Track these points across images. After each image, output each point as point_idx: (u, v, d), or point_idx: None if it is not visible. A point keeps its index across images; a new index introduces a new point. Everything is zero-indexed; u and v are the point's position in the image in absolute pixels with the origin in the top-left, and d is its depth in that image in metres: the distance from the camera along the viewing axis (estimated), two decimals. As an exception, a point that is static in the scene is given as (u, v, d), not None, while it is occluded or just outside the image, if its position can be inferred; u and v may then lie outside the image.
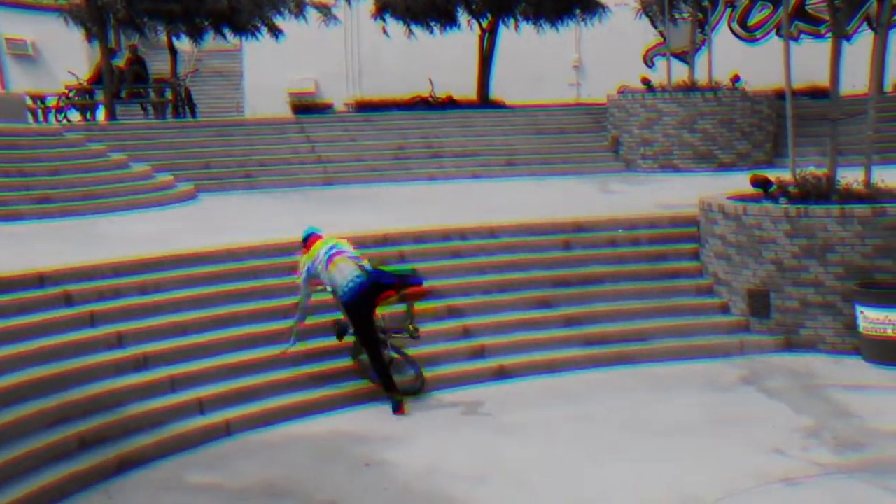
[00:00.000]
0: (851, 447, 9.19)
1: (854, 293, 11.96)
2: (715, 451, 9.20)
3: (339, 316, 10.96)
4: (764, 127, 21.08)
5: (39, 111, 23.65)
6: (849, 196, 12.64)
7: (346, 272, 10.57)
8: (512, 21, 24.37)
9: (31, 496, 8.20)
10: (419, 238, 13.35)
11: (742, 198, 13.39)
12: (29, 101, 23.11)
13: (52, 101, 23.79)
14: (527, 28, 24.54)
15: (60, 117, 23.41)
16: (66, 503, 8.39)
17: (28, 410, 9.00)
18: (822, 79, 19.04)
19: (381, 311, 10.89)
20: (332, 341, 11.06)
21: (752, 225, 12.74)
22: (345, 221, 14.24)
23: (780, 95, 19.82)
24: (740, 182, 14.81)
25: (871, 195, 12.68)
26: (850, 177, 13.00)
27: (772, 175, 13.74)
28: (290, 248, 12.54)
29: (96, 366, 9.88)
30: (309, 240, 11.06)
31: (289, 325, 10.87)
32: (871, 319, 11.70)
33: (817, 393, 10.80)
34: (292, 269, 11.23)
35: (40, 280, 10.67)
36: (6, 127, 17.82)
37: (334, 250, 10.74)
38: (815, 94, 22.61)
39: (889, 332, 11.61)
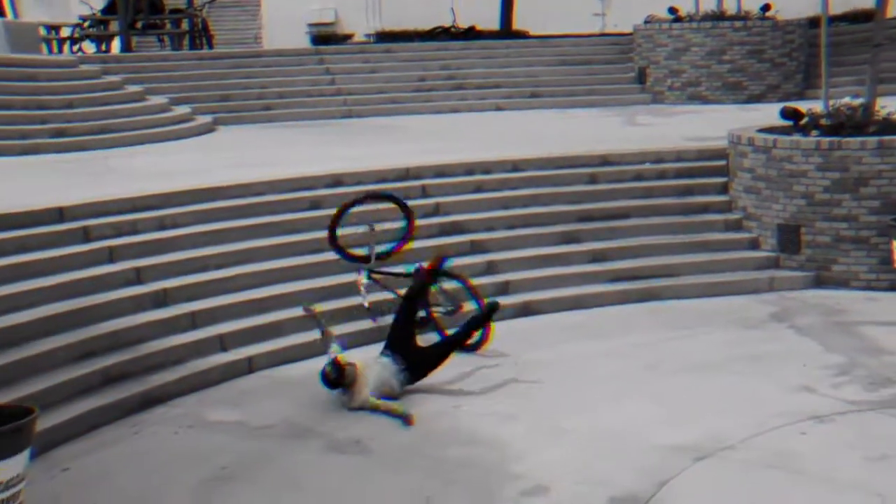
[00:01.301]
0: (883, 384, 9.13)
1: (890, 227, 11.83)
2: (743, 390, 9.18)
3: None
4: (795, 57, 20.75)
5: (54, 42, 23.52)
6: (887, 127, 12.44)
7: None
8: (536, -52, 24.02)
9: (64, 426, 8.38)
10: (441, 172, 13.28)
11: (772, 130, 13.24)
12: (43, 32, 22.97)
13: (66, 32, 23.65)
14: (551, -45, 24.20)
15: (75, 49, 23.30)
16: (96, 434, 8.53)
17: (53, 345, 9.08)
18: (864, 2, 18.67)
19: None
20: (353, 277, 11.05)
21: (783, 158, 12.60)
22: (365, 155, 14.18)
23: (814, 23, 19.49)
24: (770, 114, 14.62)
25: (911, 126, 12.48)
26: (891, 106, 12.77)
27: (803, 107, 13.56)
28: (311, 183, 12.51)
29: (116, 302, 9.90)
30: None
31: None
32: (906, 254, 11.60)
33: (849, 330, 10.74)
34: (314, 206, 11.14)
35: (60, 215, 10.67)
36: (23, 58, 17.73)
37: None
38: (857, 18, 22.12)
39: (925, 267, 11.52)
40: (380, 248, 10.67)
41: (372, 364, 9.13)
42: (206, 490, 7.53)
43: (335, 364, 8.99)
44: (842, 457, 7.76)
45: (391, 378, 9.13)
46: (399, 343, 9.39)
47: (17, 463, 6.17)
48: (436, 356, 9.48)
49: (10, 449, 6.11)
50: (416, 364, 9.31)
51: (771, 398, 8.92)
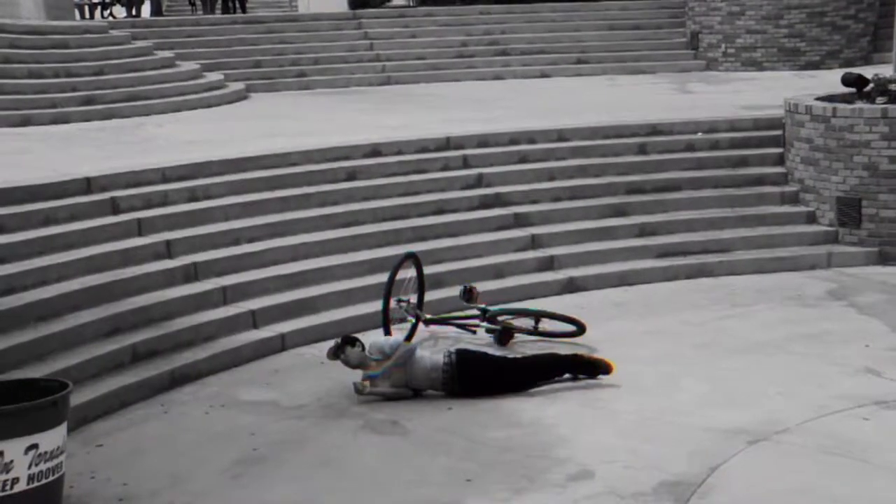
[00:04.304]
0: (955, 368, 8.97)
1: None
2: (800, 371, 9.04)
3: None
4: (862, 19, 20.37)
5: (86, 7, 23.66)
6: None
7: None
8: None
9: (96, 402, 8.46)
10: (484, 142, 13.19)
11: (832, 98, 13.05)
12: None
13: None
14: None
15: (106, 13, 23.44)
16: (127, 411, 8.58)
17: (82, 320, 9.14)
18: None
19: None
20: (391, 252, 11.01)
21: (843, 127, 12.40)
22: (404, 124, 14.12)
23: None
24: (830, 82, 14.41)
25: None
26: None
27: (868, 73, 13.32)
28: (348, 153, 12.47)
29: (145, 276, 9.91)
30: None
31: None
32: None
33: (915, 309, 10.56)
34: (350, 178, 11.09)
35: (87, 186, 10.69)
36: (54, 25, 17.88)
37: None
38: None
39: None
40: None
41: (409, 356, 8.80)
42: (238, 471, 7.52)
43: (342, 341, 8.81)
44: (907, 445, 7.62)
45: (421, 373, 8.70)
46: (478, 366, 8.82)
47: (57, 435, 6.51)
48: (492, 383, 8.75)
49: (49, 421, 6.47)
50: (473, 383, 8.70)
51: (830, 380, 8.78)
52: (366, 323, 10.22)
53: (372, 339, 8.91)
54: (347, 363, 8.74)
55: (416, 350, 8.74)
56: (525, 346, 9.76)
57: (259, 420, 8.40)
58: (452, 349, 8.85)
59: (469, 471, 7.41)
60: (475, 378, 8.69)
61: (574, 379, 8.89)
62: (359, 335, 9.07)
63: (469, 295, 10.10)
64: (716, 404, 8.38)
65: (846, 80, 13.19)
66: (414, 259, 10.06)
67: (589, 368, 8.92)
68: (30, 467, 6.34)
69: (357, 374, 8.76)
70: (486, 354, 9.05)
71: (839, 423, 7.97)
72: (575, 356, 9.08)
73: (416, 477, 7.38)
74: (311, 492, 7.22)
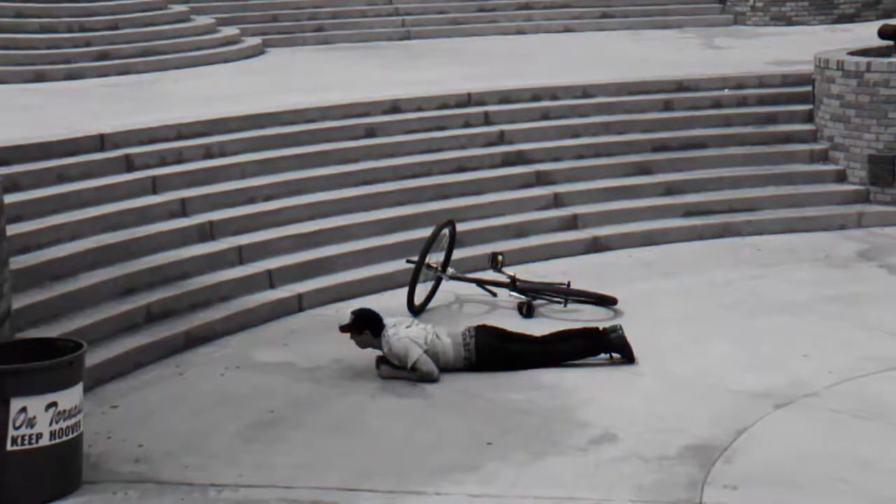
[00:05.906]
0: None
1: None
2: (828, 333, 9.00)
3: None
4: (903, -35, 20.08)
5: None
6: None
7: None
8: None
9: (110, 363, 8.47)
10: (505, 98, 13.09)
11: (865, 53, 12.89)
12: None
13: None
14: None
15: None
16: (141, 372, 8.58)
17: (96, 279, 9.14)
18: None
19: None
20: (411, 210, 10.95)
21: (877, 83, 12.27)
22: (424, 79, 14.02)
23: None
24: (864, 35, 14.23)
25: None
26: None
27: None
28: (367, 109, 12.39)
29: (159, 235, 9.89)
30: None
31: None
32: None
33: (948, 270, 10.49)
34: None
35: (101, 143, 10.65)
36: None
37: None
38: None
39: None
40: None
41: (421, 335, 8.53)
42: (253, 433, 7.51)
43: (353, 323, 8.52)
44: (939, 408, 7.57)
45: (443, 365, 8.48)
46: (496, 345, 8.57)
47: (74, 394, 6.68)
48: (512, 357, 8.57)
49: (66, 380, 6.65)
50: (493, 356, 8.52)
51: (860, 342, 8.72)
52: (384, 283, 10.20)
53: (391, 341, 8.39)
54: (357, 344, 8.65)
55: (435, 372, 8.35)
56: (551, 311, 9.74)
57: (275, 382, 8.40)
58: (471, 341, 8.49)
59: (489, 434, 7.39)
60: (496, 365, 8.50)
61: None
62: (379, 295, 8.97)
63: (496, 262, 10.02)
64: (742, 366, 8.35)
65: (883, 33, 13.03)
66: (451, 226, 10.02)
67: (611, 348, 8.62)
68: (51, 424, 6.53)
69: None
70: (505, 341, 8.62)
71: (869, 386, 7.92)
72: (597, 336, 8.67)
73: (435, 440, 7.37)
74: (327, 454, 7.20)
